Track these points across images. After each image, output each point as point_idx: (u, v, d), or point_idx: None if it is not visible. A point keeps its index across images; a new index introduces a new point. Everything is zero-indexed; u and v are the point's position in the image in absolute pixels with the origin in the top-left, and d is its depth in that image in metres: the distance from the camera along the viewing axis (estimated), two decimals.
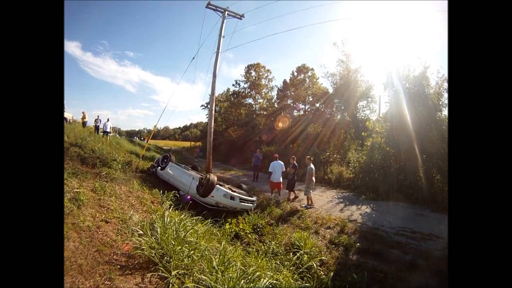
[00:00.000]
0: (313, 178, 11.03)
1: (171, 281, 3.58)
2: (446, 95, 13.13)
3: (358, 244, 7.20)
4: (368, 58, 41.70)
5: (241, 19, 16.16)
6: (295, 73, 35.03)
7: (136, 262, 4.03)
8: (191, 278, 3.76)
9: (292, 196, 11.81)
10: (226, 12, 15.40)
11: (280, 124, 31.04)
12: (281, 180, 11.91)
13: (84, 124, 20.88)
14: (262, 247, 7.27)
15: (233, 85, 41.08)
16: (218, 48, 15.07)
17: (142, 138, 61.13)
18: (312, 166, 11.07)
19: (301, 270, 5.58)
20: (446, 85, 13.11)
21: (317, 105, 31.83)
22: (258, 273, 4.21)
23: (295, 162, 11.82)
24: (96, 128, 20.80)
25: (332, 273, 5.81)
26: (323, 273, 6.03)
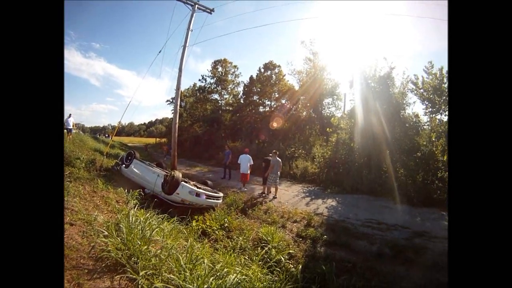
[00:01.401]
0: (278, 172, 11.64)
1: (140, 282, 3.54)
2: (410, 94, 14.03)
3: (325, 236, 7.43)
4: (335, 57, 42.55)
5: (211, 13, 15.91)
6: (262, 70, 35.08)
7: (103, 264, 3.94)
8: (160, 278, 3.75)
9: (272, 189, 12.03)
10: (196, 6, 15.13)
11: (275, 124, 31.25)
12: (248, 172, 12.91)
13: None
14: (230, 243, 7.36)
15: (199, 80, 40.67)
16: (186, 42, 14.77)
17: (106, 135, 59.09)
18: (277, 159, 11.57)
19: (269, 264, 5.67)
20: (410, 85, 13.99)
21: (283, 101, 32.18)
22: (226, 269, 4.25)
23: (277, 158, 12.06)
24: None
25: (301, 266, 6.00)
26: (292, 266, 6.18)
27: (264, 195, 11.80)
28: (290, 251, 6.77)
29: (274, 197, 11.58)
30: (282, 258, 6.31)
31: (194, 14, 15.10)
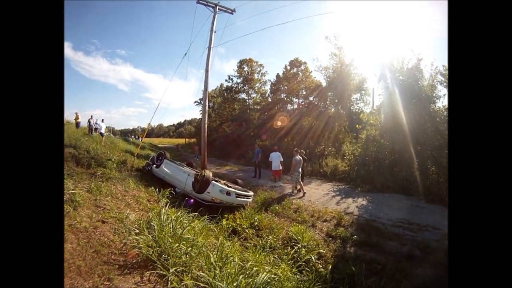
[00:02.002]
0: (299, 169, 11.72)
1: (169, 279, 3.58)
2: (439, 87, 13.27)
3: (355, 236, 7.25)
4: (361, 51, 41.52)
5: (232, 13, 16.03)
6: (288, 67, 34.84)
7: (134, 261, 4.02)
8: (190, 275, 3.77)
9: (298, 187, 12.17)
10: (217, 7, 15.25)
11: (279, 123, 31.09)
12: (279, 168, 13.38)
13: (77, 124, 20.66)
14: (260, 241, 7.28)
15: (226, 80, 40.93)
16: (210, 43, 14.92)
17: (136, 137, 60.73)
18: (298, 157, 11.66)
19: (299, 263, 5.60)
20: (439, 77, 13.22)
21: (311, 98, 31.78)
22: (256, 268, 4.23)
23: (303, 155, 12.42)
24: (90, 128, 20.61)
25: (330, 266, 5.89)
26: (321, 266, 6.07)
27: (292, 194, 11.86)
28: (320, 250, 6.64)
29: (304, 193, 11.65)
30: (312, 258, 6.21)
31: (216, 16, 15.21)
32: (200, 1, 14.92)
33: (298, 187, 12.14)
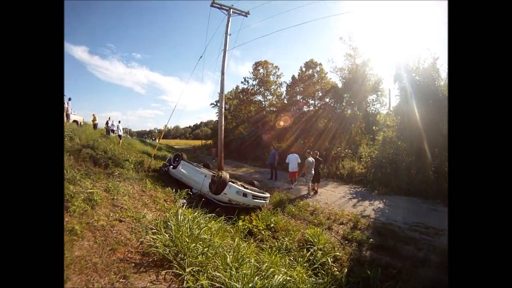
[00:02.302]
0: (312, 171, 11.93)
1: (185, 278, 3.58)
2: None
3: (371, 239, 7.18)
4: (377, 51, 40.99)
5: (246, 16, 16.07)
6: (303, 69, 34.71)
7: (150, 260, 4.04)
8: (206, 275, 3.76)
9: (315, 188, 12.54)
10: (231, 10, 15.33)
11: (282, 123, 31.02)
12: (296, 170, 13.42)
13: (95, 126, 21.03)
14: (276, 243, 7.25)
15: (241, 82, 41.14)
16: (225, 46, 15.00)
17: (153, 138, 61.60)
18: (310, 159, 12.00)
19: (315, 266, 5.58)
20: None
21: (327, 100, 31.53)
22: (272, 269, 4.19)
23: (317, 156, 12.61)
24: (107, 130, 20.95)
25: (346, 269, 5.82)
26: (336, 269, 6.02)
27: (308, 195, 11.95)
28: (336, 253, 6.59)
29: (315, 192, 12.26)
30: (329, 260, 6.18)
31: (230, 18, 15.28)
32: (215, 4, 15.03)
33: (313, 188, 12.38)
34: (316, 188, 12.55)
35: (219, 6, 15.13)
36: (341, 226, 8.47)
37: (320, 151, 17.99)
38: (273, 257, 5.36)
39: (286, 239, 7.44)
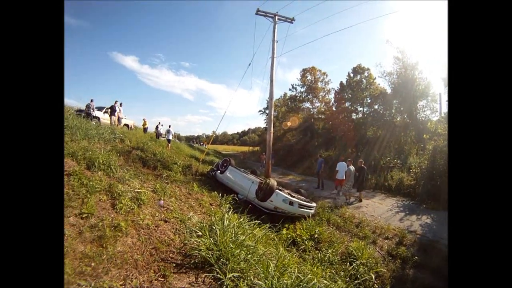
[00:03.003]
0: (352, 179, 12.70)
1: (225, 283, 3.49)
2: None
3: (416, 257, 6.94)
4: (426, 53, 38.72)
5: (292, 22, 16.01)
6: (351, 74, 33.86)
7: (192, 261, 4.00)
8: (246, 282, 3.65)
9: (360, 196, 12.96)
10: (277, 17, 15.35)
11: (289, 124, 30.41)
12: (343, 177, 13.22)
13: (145, 130, 21.94)
14: (318, 254, 7.10)
15: (289, 89, 41.06)
16: (273, 53, 15.03)
17: (201, 143, 63.35)
18: (351, 167, 12.75)
19: (357, 281, 5.44)
20: None
21: (376, 106, 30.46)
22: (313, 281, 3.99)
23: (363, 165, 12.92)
24: (157, 134, 21.73)
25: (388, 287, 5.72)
26: (377, 286, 5.88)
27: (348, 202, 12.50)
28: (379, 270, 6.40)
29: (360, 201, 12.69)
30: (373, 276, 5.99)
31: (276, 25, 15.26)
32: (260, 12, 15.13)
33: (355, 195, 13.07)
34: (360, 197, 12.83)
35: (264, 14, 15.23)
36: (386, 240, 8.27)
37: (369, 161, 17.39)
38: (315, 269, 5.20)
39: (329, 251, 7.25)
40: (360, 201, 12.63)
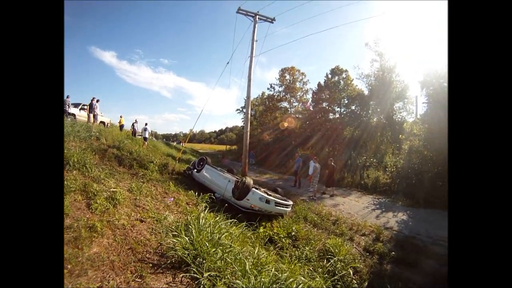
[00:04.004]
0: (318, 175, 13.33)
1: (202, 282, 3.52)
2: None
3: (393, 253, 7.07)
4: (403, 57, 39.79)
5: (272, 22, 16.14)
6: (329, 75, 34.32)
7: (168, 261, 4.00)
8: (223, 280, 3.68)
9: (331, 191, 13.76)
10: (257, 16, 15.43)
11: (286, 124, 30.76)
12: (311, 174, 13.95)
13: (121, 127, 21.55)
14: (296, 252, 7.19)
15: (268, 88, 41.16)
16: (252, 52, 15.09)
17: (178, 142, 62.61)
18: (316, 164, 13.35)
19: (334, 278, 5.50)
20: None
21: (353, 107, 31.02)
22: (291, 279, 4.08)
23: (332, 163, 13.79)
24: (134, 131, 21.40)
25: (366, 283, 5.81)
26: (356, 282, 5.93)
27: (313, 198, 13.01)
28: (356, 265, 6.51)
29: (332, 196, 13.50)
30: (350, 272, 6.08)
31: (256, 25, 15.34)
32: (240, 11, 15.18)
33: (321, 191, 13.86)
34: (332, 192, 13.72)
35: (245, 13, 15.29)
36: (363, 237, 8.41)
37: (345, 160, 17.76)
38: (292, 266, 5.29)
39: (307, 248, 7.35)
40: (332, 196, 13.30)
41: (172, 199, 7.87)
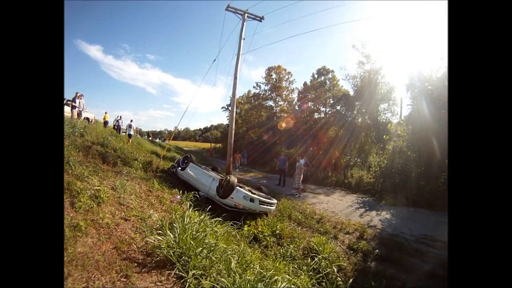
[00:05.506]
0: (301, 173, 13.65)
1: (188, 281, 3.53)
2: None
3: (377, 250, 7.18)
4: (389, 59, 40.61)
5: (261, 21, 16.21)
6: (316, 75, 34.64)
7: (153, 260, 4.00)
8: (209, 279, 3.71)
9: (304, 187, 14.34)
10: (246, 15, 15.46)
11: (284, 125, 31.01)
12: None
13: (105, 124, 21.24)
14: (281, 250, 7.23)
15: (254, 87, 41.32)
16: (239, 50, 15.13)
17: (162, 139, 62.09)
18: (301, 162, 13.74)
19: (319, 275, 5.52)
20: None
21: (338, 107, 31.39)
22: (276, 276, 4.13)
23: (307, 161, 14.69)
24: (117, 127, 21.10)
25: (350, 280, 5.84)
26: (340, 279, 5.98)
27: (298, 196, 13.42)
28: (341, 263, 6.58)
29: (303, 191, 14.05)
30: (335, 269, 6.12)
31: (245, 23, 15.35)
32: (229, 9, 15.17)
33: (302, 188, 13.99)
34: (304, 188, 14.37)
35: (234, 10, 15.29)
36: (347, 235, 8.48)
37: (330, 159, 18.06)
38: (277, 264, 5.34)
39: (291, 246, 7.41)
40: (304, 191, 14.11)
41: (178, 197, 7.86)
